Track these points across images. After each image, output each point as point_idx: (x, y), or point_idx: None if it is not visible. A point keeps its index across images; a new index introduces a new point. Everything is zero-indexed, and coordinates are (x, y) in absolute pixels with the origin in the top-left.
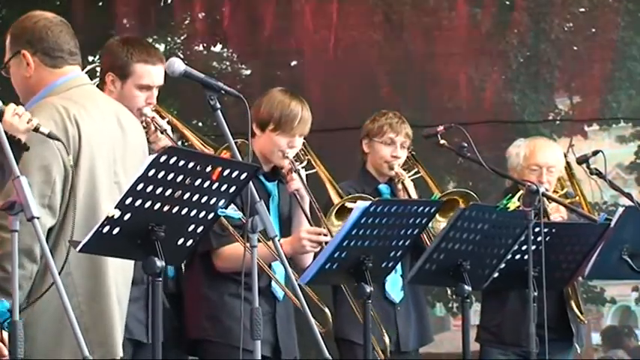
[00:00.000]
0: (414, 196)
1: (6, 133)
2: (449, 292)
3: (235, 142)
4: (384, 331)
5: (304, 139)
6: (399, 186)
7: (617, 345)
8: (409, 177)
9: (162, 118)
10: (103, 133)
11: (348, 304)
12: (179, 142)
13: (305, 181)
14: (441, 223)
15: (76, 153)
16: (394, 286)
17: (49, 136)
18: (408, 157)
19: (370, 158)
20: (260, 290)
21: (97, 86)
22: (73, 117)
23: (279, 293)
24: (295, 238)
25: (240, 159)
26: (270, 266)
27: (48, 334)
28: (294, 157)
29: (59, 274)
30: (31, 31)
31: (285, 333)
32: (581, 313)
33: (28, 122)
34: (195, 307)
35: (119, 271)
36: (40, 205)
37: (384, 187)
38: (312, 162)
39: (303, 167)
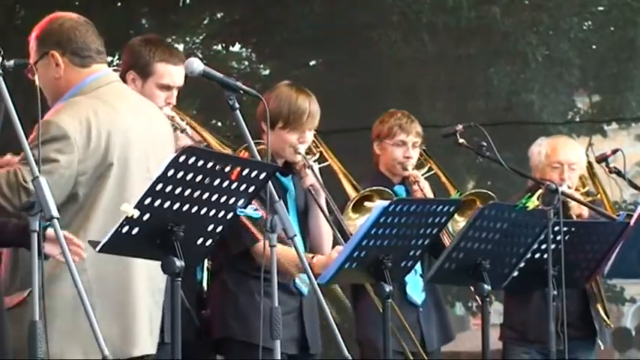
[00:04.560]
0: (430, 196)
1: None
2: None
3: (255, 144)
4: (411, 333)
5: (315, 131)
6: (415, 187)
7: (629, 345)
8: (422, 175)
9: (181, 119)
10: (133, 131)
11: (371, 306)
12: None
13: (319, 176)
14: (459, 222)
15: (105, 151)
16: (415, 288)
17: (16, 65)
18: (420, 154)
19: (383, 160)
20: (286, 286)
21: None
22: (101, 115)
23: (304, 289)
24: (329, 259)
25: (259, 158)
26: None
27: (62, 331)
28: (306, 150)
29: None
30: (58, 32)
31: (312, 329)
32: (608, 317)
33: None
34: (222, 306)
35: (152, 264)
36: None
37: (399, 189)
38: (325, 155)
39: (315, 161)
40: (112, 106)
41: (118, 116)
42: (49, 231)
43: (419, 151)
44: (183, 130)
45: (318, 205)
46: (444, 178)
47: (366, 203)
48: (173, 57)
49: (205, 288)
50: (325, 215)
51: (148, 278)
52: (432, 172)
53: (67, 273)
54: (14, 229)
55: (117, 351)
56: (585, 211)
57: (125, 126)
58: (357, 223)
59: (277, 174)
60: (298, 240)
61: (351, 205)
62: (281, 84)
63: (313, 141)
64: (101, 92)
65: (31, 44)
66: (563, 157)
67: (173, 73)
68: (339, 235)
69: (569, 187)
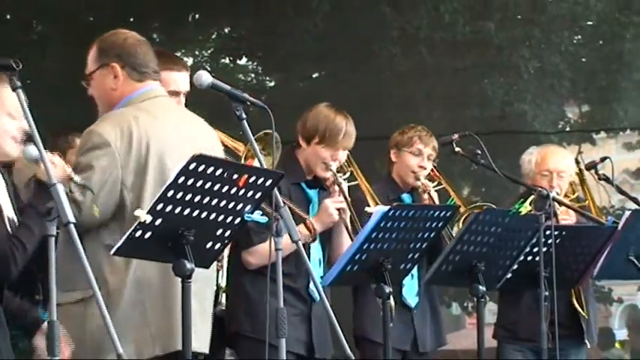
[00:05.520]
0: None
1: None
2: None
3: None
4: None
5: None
6: (425, 196)
7: (610, 346)
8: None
9: None
10: (172, 140)
11: (370, 304)
12: None
13: (347, 194)
14: None
15: (144, 157)
16: (410, 291)
17: (84, 186)
18: (431, 169)
19: (397, 168)
20: (296, 291)
21: None
22: (142, 124)
23: (316, 294)
24: (321, 210)
25: (265, 166)
26: (306, 269)
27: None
28: (337, 168)
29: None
30: (121, 46)
31: (321, 333)
32: (582, 309)
33: (62, 172)
34: (235, 302)
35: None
36: (95, 204)
37: (406, 197)
38: (355, 174)
39: (345, 179)
40: (153, 116)
41: (157, 124)
42: (44, 326)
43: (432, 165)
44: None
45: (344, 222)
46: (452, 194)
47: (367, 209)
48: (176, 64)
49: (214, 288)
50: (349, 232)
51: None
52: (441, 186)
53: (115, 270)
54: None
55: (165, 345)
56: (573, 217)
57: (164, 135)
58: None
59: (304, 185)
60: (317, 247)
61: None
62: (320, 104)
63: (346, 160)
64: (146, 104)
65: (91, 54)
66: (552, 166)
67: (178, 80)
68: None
69: (557, 194)
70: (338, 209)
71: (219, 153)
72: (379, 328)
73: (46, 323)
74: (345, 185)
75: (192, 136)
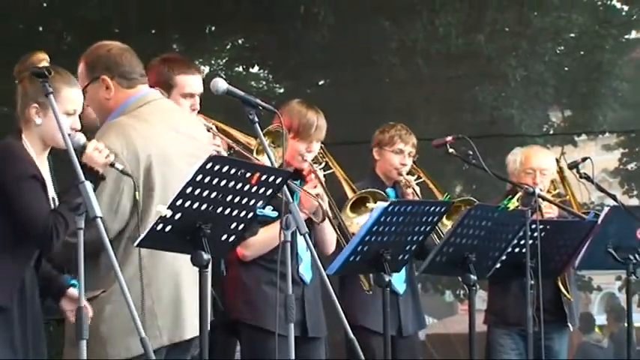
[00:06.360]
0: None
1: (85, 165)
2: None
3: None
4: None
5: (322, 143)
6: (409, 190)
7: (590, 329)
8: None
9: (207, 122)
10: (169, 144)
11: (360, 292)
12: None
13: (323, 181)
14: (447, 225)
15: (148, 165)
16: (399, 279)
17: (123, 172)
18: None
19: (380, 164)
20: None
21: None
22: (140, 133)
23: (307, 278)
24: (302, 199)
25: (276, 165)
26: (297, 254)
27: (125, 320)
28: (313, 159)
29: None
30: (107, 58)
31: (313, 314)
32: (568, 292)
33: (106, 157)
34: (233, 292)
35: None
36: (109, 211)
37: (390, 191)
38: (330, 163)
39: (321, 168)
40: (149, 123)
41: (154, 131)
42: (71, 290)
43: (412, 160)
44: (209, 129)
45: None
46: (431, 185)
47: (368, 204)
48: (190, 68)
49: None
50: (328, 216)
51: (192, 269)
52: (421, 180)
53: (128, 271)
54: None
55: (171, 336)
56: (555, 211)
57: (161, 141)
58: (354, 221)
59: None
60: None
61: (350, 204)
62: (293, 101)
63: (320, 152)
64: (140, 111)
65: (80, 70)
66: (535, 164)
67: (192, 83)
68: (338, 232)
69: (541, 190)
70: (316, 195)
71: (209, 143)
72: (370, 315)
73: (71, 288)
74: (320, 174)
75: (188, 133)
